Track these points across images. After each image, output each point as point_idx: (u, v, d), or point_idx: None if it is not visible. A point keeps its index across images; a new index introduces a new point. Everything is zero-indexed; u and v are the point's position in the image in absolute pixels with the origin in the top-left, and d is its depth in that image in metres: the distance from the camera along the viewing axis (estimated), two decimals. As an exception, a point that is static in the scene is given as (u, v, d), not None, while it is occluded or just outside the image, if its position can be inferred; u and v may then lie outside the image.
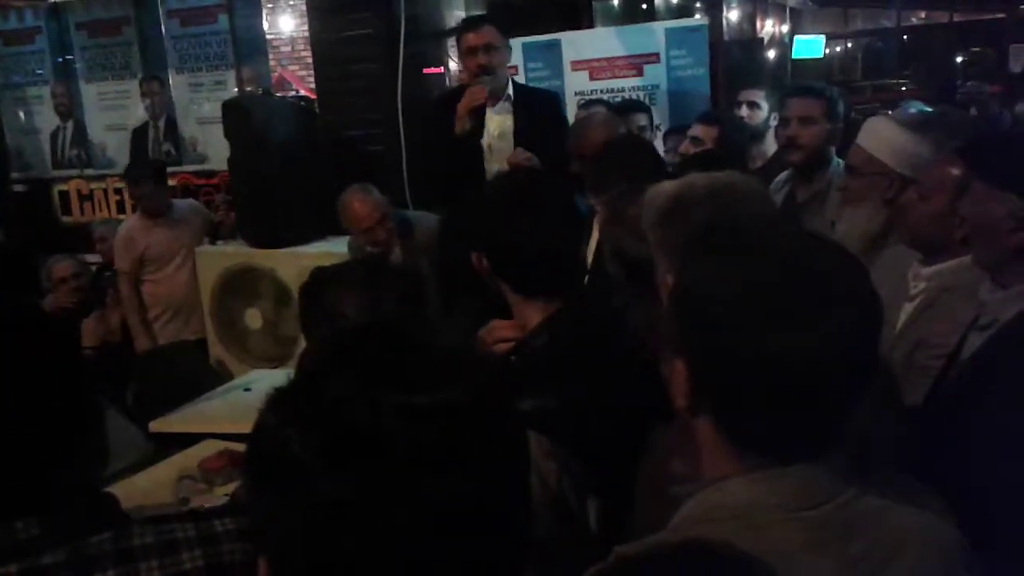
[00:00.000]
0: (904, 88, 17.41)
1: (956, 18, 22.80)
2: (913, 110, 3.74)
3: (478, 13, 5.69)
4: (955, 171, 1.85)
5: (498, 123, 3.48)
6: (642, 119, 4.09)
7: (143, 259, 4.75)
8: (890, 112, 4.74)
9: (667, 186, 1.55)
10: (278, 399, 0.69)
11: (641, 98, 4.72)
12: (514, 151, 3.29)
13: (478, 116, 3.39)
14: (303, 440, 0.64)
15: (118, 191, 6.03)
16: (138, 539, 0.98)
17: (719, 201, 1.46)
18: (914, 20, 25.14)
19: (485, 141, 3.50)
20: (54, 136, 6.24)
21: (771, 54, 12.07)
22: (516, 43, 5.06)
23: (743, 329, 0.88)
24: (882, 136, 2.23)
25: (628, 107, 4.22)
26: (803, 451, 0.91)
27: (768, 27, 15.48)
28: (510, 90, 3.52)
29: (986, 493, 1.33)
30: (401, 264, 1.75)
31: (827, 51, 17.82)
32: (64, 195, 6.26)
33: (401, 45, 4.71)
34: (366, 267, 1.59)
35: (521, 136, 3.40)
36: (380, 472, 0.63)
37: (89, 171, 6.13)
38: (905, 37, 24.46)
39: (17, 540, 0.94)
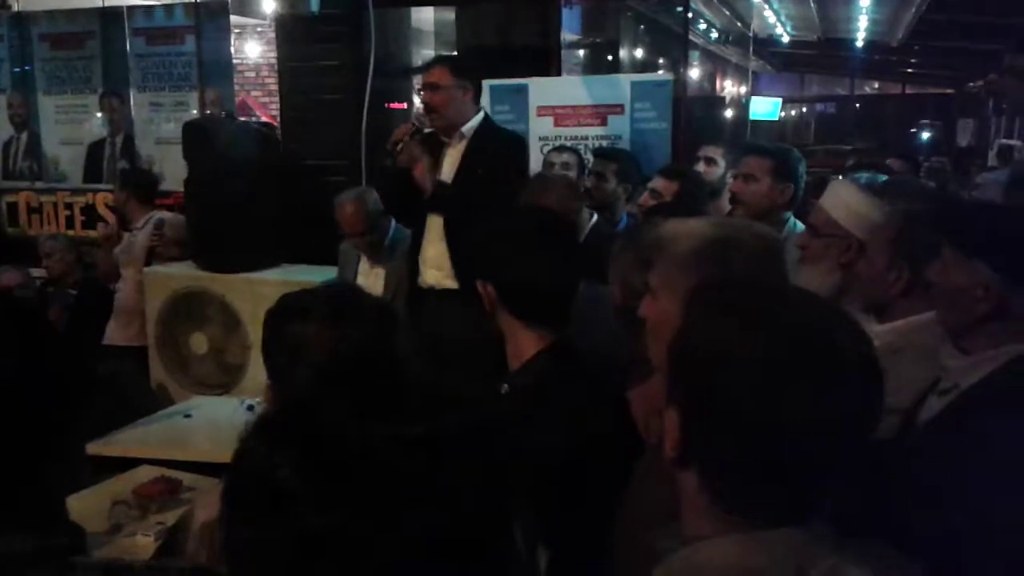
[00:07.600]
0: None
1: (908, 90, 23.63)
2: (864, 178, 3.81)
3: (446, 54, 5.75)
4: (892, 232, 1.89)
5: (451, 157, 3.57)
6: (611, 166, 4.13)
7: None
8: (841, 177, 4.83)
9: (707, 225, 1.52)
10: (265, 426, 0.68)
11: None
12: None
13: (401, 148, 3.54)
14: (293, 467, 0.63)
15: (68, 205, 5.94)
16: None
17: (764, 257, 1.45)
18: (868, 89, 25.99)
19: (442, 175, 3.59)
20: (7, 146, 6.10)
21: (730, 113, 12.35)
22: (484, 85, 5.10)
23: (748, 393, 0.87)
24: (842, 199, 2.26)
25: (601, 154, 4.32)
26: (788, 516, 0.90)
27: (728, 87, 15.85)
28: (472, 126, 3.58)
29: (943, 555, 1.33)
30: (374, 297, 1.75)
31: (783, 114, 18.29)
32: (13, 207, 6.12)
33: (369, 78, 4.72)
34: (335, 299, 1.54)
35: (463, 172, 3.50)
36: (369, 501, 0.62)
37: (40, 184, 6.02)
38: (858, 105, 25.23)
39: None
